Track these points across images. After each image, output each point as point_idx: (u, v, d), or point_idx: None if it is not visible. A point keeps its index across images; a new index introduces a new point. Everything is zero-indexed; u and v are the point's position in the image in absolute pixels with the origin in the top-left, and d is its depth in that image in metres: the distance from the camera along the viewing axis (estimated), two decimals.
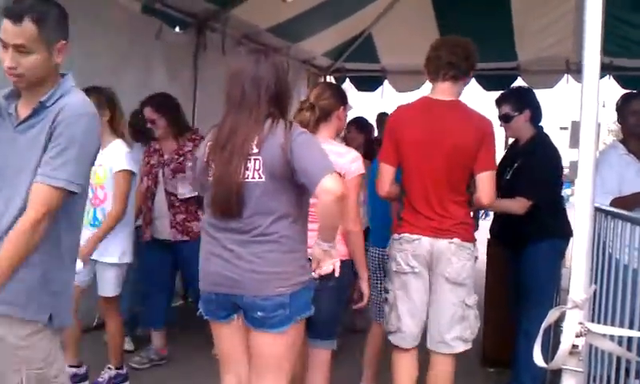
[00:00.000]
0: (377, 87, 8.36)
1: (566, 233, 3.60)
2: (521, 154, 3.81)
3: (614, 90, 6.29)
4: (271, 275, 2.28)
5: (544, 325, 1.94)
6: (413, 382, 3.10)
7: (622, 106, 3.90)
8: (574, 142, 1.92)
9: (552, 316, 1.95)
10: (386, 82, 8.14)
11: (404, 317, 3.03)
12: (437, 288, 2.98)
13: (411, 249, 2.97)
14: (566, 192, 4.16)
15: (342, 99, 3.04)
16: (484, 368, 4.41)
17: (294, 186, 2.29)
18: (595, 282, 3.12)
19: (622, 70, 6.76)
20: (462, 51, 3.04)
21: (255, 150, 2.26)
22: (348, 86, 8.55)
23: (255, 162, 2.26)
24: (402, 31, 6.85)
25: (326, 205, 2.23)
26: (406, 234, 2.98)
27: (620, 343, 2.61)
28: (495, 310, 4.31)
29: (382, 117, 6.54)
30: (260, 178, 2.26)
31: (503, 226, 4.00)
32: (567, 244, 3.77)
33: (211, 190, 2.33)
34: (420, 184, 2.97)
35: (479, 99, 4.45)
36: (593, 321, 2.97)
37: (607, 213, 3.26)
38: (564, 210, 3.89)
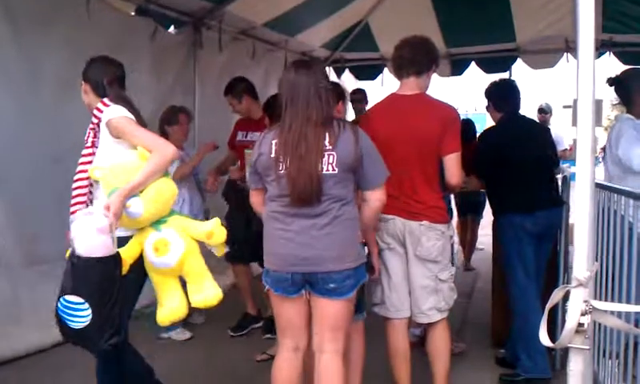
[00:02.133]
0: (377, 75, 8.36)
1: (525, 207, 3.84)
2: None
3: (614, 67, 6.27)
4: (342, 252, 2.69)
5: (549, 304, 1.95)
6: (402, 351, 3.33)
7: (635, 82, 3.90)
8: (576, 120, 1.92)
9: (557, 295, 1.96)
10: (385, 70, 8.13)
11: (386, 290, 3.34)
12: (411, 264, 3.28)
13: (386, 228, 3.28)
14: (571, 170, 4.14)
15: (339, 95, 3.33)
16: (494, 349, 4.42)
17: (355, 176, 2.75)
18: (613, 259, 3.12)
19: (622, 47, 6.73)
20: (421, 48, 3.36)
21: (329, 147, 2.64)
22: (348, 76, 8.55)
23: (329, 157, 2.64)
24: (400, 18, 6.82)
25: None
26: (382, 215, 3.22)
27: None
28: (502, 291, 4.31)
29: None
30: (334, 170, 2.65)
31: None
32: (532, 218, 3.83)
33: (287, 182, 2.66)
34: (394, 172, 3.15)
35: (481, 83, 4.53)
36: (613, 298, 2.99)
37: (606, 188, 3.27)
38: (523, 184, 3.88)
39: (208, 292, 2.77)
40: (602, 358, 3.38)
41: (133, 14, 5.40)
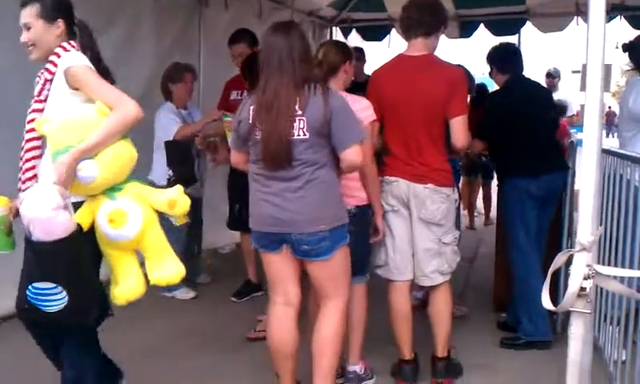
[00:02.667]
0: (384, 37, 8.25)
1: (529, 171, 3.83)
2: None
3: (625, 31, 6.18)
4: (315, 215, 2.73)
5: (551, 268, 1.96)
6: (404, 313, 3.36)
7: None
8: (585, 85, 1.90)
9: (560, 259, 1.97)
10: (393, 31, 8.02)
11: (390, 252, 3.34)
12: (416, 226, 3.27)
13: (390, 190, 3.29)
14: (578, 136, 4.11)
15: (347, 55, 3.31)
16: (496, 313, 4.45)
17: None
18: (617, 224, 3.13)
19: (633, 10, 6.62)
20: (430, 9, 3.31)
21: (299, 112, 2.67)
22: (355, 37, 8.45)
23: (300, 122, 2.66)
24: None
25: (348, 169, 2.84)
26: (386, 177, 3.30)
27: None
28: (504, 256, 4.32)
29: None
30: (305, 135, 2.67)
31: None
32: (537, 183, 3.82)
33: (260, 146, 2.72)
34: (399, 133, 3.25)
35: (488, 44, 4.47)
36: (616, 263, 3.00)
37: (612, 154, 3.26)
38: (529, 147, 3.87)
39: (169, 268, 2.52)
40: (602, 323, 3.41)
41: None
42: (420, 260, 3.30)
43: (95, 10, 4.75)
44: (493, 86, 4.61)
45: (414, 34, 3.28)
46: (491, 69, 4.17)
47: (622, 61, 4.06)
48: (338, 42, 4.05)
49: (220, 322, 4.41)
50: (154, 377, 3.38)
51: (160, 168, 4.65)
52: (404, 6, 3.37)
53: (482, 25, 7.56)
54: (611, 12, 6.59)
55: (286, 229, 2.77)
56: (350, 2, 7.84)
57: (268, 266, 2.95)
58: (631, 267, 2.74)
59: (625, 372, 2.87)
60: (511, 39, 6.61)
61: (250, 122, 2.76)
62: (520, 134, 3.83)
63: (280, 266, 2.91)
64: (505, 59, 4.11)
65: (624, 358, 2.96)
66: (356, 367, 3.28)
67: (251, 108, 2.77)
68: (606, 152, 3.29)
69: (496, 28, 7.33)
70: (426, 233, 3.26)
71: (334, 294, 2.89)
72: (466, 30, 7.68)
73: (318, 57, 3.25)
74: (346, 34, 8.37)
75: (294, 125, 2.67)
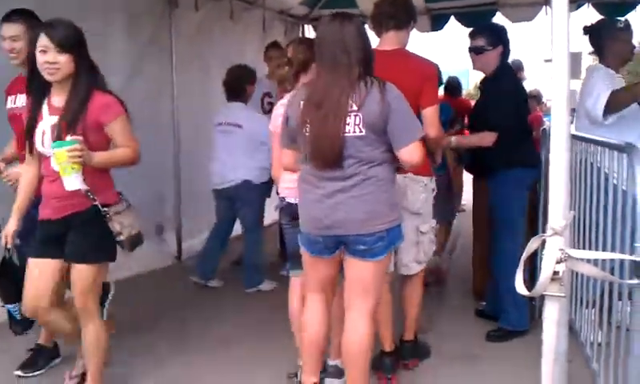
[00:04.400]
0: None
1: (531, 162, 3.85)
2: (484, 87, 4.06)
3: (594, 19, 6.24)
4: (372, 215, 2.63)
5: (524, 254, 1.99)
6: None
7: (617, 34, 3.89)
8: None
9: (533, 245, 2.00)
10: (365, 27, 8.04)
11: None
12: None
13: None
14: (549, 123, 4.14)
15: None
16: (477, 302, 4.49)
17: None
18: (584, 209, 3.18)
19: None
20: (401, 4, 3.37)
21: (354, 108, 2.56)
22: None
23: (355, 118, 2.56)
24: None
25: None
26: None
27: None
28: (481, 244, 4.36)
29: None
30: (361, 131, 2.57)
31: (475, 158, 4.19)
32: (534, 173, 3.89)
33: (310, 145, 2.62)
34: None
35: (460, 37, 4.44)
36: (590, 247, 3.04)
37: (581, 139, 3.30)
38: (530, 139, 3.94)
39: None
40: (578, 307, 3.46)
41: None
42: (400, 249, 3.32)
43: (64, 15, 4.71)
44: (470, 77, 4.61)
45: (385, 28, 3.33)
46: (488, 47, 3.93)
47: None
48: (306, 39, 4.05)
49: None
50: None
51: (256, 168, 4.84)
52: (376, 2, 3.41)
53: (452, 17, 7.61)
54: (579, 0, 6.68)
55: (342, 231, 2.66)
56: None
57: (313, 269, 2.87)
58: (604, 250, 2.78)
59: (601, 353, 2.91)
60: None
61: (300, 118, 2.66)
62: (524, 123, 3.88)
63: (327, 272, 2.85)
64: (505, 40, 3.99)
65: (600, 340, 3.00)
66: (337, 361, 3.29)
67: (300, 103, 2.67)
68: (576, 138, 3.33)
69: (467, 20, 7.36)
70: (404, 222, 3.27)
71: (370, 295, 2.77)
72: (438, 22, 7.71)
73: (287, 55, 3.27)
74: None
75: (349, 122, 2.56)
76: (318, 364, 2.99)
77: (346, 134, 2.56)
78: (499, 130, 3.75)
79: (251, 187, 4.89)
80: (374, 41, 3.44)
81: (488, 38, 3.93)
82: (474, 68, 4.16)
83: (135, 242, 3.02)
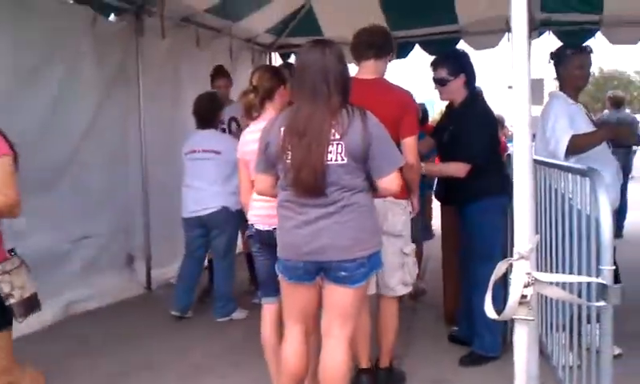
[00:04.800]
0: None
1: (505, 189, 3.70)
2: (455, 117, 3.96)
3: (555, 45, 6.39)
4: (354, 241, 2.64)
5: (492, 278, 1.99)
6: (363, 328, 3.37)
7: (568, 60, 3.93)
8: None
9: (500, 269, 2.01)
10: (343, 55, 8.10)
11: None
12: None
13: None
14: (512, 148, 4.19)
15: (280, 79, 3.37)
16: (448, 327, 4.50)
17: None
18: (549, 233, 3.21)
19: (560, 25, 6.87)
20: (380, 34, 3.46)
21: (337, 137, 2.57)
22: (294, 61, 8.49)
23: (337, 146, 2.57)
24: (342, 2, 6.81)
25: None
26: None
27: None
28: (452, 270, 4.38)
29: None
30: (342, 159, 2.58)
31: (446, 188, 4.12)
32: (508, 200, 3.87)
33: (292, 172, 2.61)
34: None
35: (425, 65, 4.41)
36: (557, 269, 3.07)
37: (544, 164, 3.35)
38: (503, 166, 3.97)
39: None
40: (549, 331, 3.48)
41: (71, 1, 5.24)
42: (384, 273, 3.31)
43: (34, 47, 4.68)
44: (435, 106, 4.62)
45: (365, 56, 3.38)
46: (450, 77, 3.90)
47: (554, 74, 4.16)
48: (271, 67, 4.16)
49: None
50: None
51: (233, 194, 4.74)
52: (355, 34, 3.47)
53: (417, 45, 7.72)
54: (540, 27, 6.83)
55: (324, 257, 2.65)
56: (286, 27, 7.89)
57: (293, 297, 2.84)
58: (571, 273, 2.80)
59: (573, 376, 2.92)
60: None
61: (281, 144, 2.65)
62: (497, 151, 3.93)
63: (308, 299, 2.82)
64: (467, 67, 3.95)
65: (571, 363, 3.02)
66: None
67: (281, 130, 2.66)
68: (538, 162, 3.38)
69: (431, 48, 7.48)
70: (387, 247, 3.23)
71: (349, 322, 2.77)
72: (403, 50, 7.81)
73: (252, 82, 3.30)
74: (285, 58, 8.42)
75: (331, 150, 2.57)
76: None
77: (329, 162, 2.58)
78: (473, 162, 3.73)
79: (229, 214, 4.87)
80: (353, 69, 3.47)
81: (450, 67, 3.90)
82: (441, 99, 4.13)
83: (29, 305, 2.66)
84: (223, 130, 5.50)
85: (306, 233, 2.65)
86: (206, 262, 5.39)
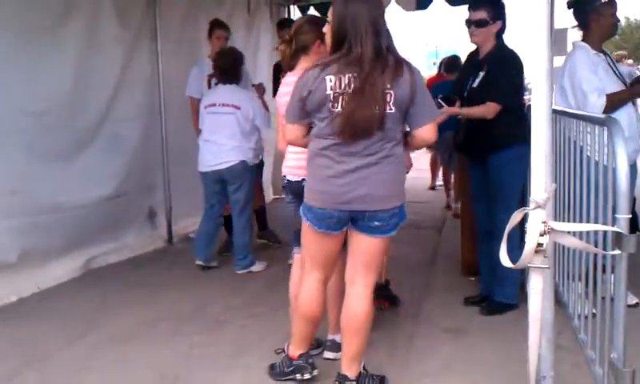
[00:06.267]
0: None
1: (527, 136, 3.72)
2: (488, 61, 3.87)
3: None
4: (391, 192, 2.73)
5: (508, 227, 2.02)
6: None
7: (601, 8, 3.84)
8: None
9: (516, 218, 2.03)
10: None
11: None
12: None
13: None
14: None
15: (319, 34, 3.16)
16: (465, 278, 4.55)
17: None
18: (567, 184, 3.21)
19: None
20: None
21: (388, 86, 2.58)
22: (313, 14, 8.40)
23: (387, 96, 2.59)
24: None
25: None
26: None
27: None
28: (470, 221, 4.40)
29: None
30: (391, 109, 2.61)
31: (469, 135, 4.06)
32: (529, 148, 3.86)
33: (343, 120, 2.60)
34: None
35: (447, 16, 4.32)
36: (573, 219, 3.08)
37: (564, 114, 3.32)
38: (526, 116, 3.92)
39: None
40: (566, 281, 3.50)
41: None
42: None
43: (51, 5, 4.69)
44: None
45: None
46: (489, 20, 3.80)
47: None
48: (311, 19, 3.88)
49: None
50: None
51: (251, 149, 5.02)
52: None
53: None
54: None
55: (363, 206, 2.70)
56: None
57: (318, 245, 2.89)
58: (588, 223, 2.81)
59: (588, 325, 2.96)
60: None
61: (329, 93, 2.62)
62: (522, 100, 3.88)
63: (332, 248, 2.89)
64: (504, 16, 3.85)
65: (586, 312, 3.05)
66: (335, 336, 3.32)
67: (327, 78, 2.62)
68: (556, 112, 3.35)
69: None
70: None
71: (373, 271, 2.86)
72: (423, 2, 7.69)
73: (290, 34, 3.26)
74: (303, 12, 8.33)
75: (382, 98, 2.58)
76: (308, 339, 3.06)
77: (383, 111, 2.60)
78: (504, 103, 3.70)
79: (247, 168, 4.95)
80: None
81: (490, 10, 3.80)
82: (471, 41, 4.00)
83: None
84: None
85: (346, 181, 2.68)
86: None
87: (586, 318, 3.04)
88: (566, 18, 4.09)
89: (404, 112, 2.66)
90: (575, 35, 4.04)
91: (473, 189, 4.12)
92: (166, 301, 4.47)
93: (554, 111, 3.06)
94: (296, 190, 3.13)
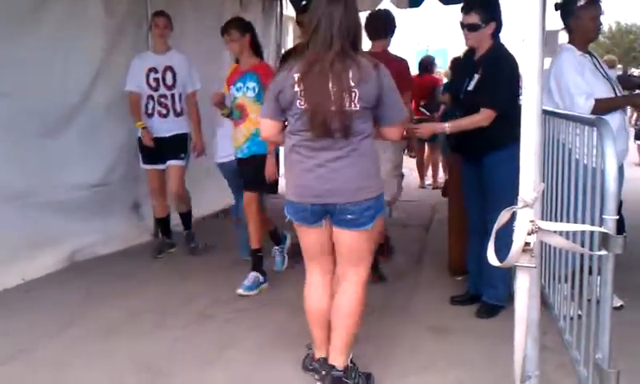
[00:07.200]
0: None
1: (519, 136, 3.73)
2: (483, 64, 3.82)
3: None
4: (362, 183, 2.77)
5: (495, 226, 2.01)
6: None
7: (580, 11, 3.83)
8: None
9: (504, 217, 2.03)
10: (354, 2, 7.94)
11: None
12: None
13: None
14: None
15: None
16: (452, 277, 4.55)
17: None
18: (555, 184, 3.22)
19: None
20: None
21: (352, 84, 2.65)
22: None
23: (352, 94, 2.66)
24: None
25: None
26: None
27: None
28: (458, 221, 4.41)
29: None
30: (355, 106, 2.68)
31: (463, 135, 3.96)
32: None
33: (307, 115, 2.70)
34: None
35: (439, 14, 4.35)
36: (560, 219, 3.08)
37: (554, 114, 3.33)
38: (519, 115, 3.91)
39: None
40: (552, 282, 3.51)
41: None
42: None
43: None
44: (448, 56, 4.47)
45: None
46: (481, 23, 3.75)
47: None
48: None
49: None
50: None
51: None
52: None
53: None
54: None
55: (333, 199, 2.77)
56: None
57: (304, 238, 2.98)
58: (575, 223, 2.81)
59: (574, 326, 2.96)
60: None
61: (296, 90, 2.71)
62: (517, 101, 3.86)
63: (316, 240, 2.94)
64: (499, 16, 3.81)
65: (572, 313, 3.06)
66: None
67: (295, 76, 2.72)
68: (546, 112, 3.35)
69: None
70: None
71: (360, 263, 2.92)
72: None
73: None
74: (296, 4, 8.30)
75: (347, 96, 2.65)
76: (325, 344, 3.03)
77: (346, 108, 2.66)
78: (501, 109, 3.65)
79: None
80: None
81: (482, 13, 3.74)
82: (466, 45, 3.98)
83: None
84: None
85: (316, 176, 2.76)
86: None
87: (572, 319, 3.05)
88: (557, 21, 4.08)
89: (371, 108, 2.74)
90: (565, 38, 4.04)
91: (466, 188, 4.10)
92: (151, 293, 4.45)
93: (544, 112, 3.05)
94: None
